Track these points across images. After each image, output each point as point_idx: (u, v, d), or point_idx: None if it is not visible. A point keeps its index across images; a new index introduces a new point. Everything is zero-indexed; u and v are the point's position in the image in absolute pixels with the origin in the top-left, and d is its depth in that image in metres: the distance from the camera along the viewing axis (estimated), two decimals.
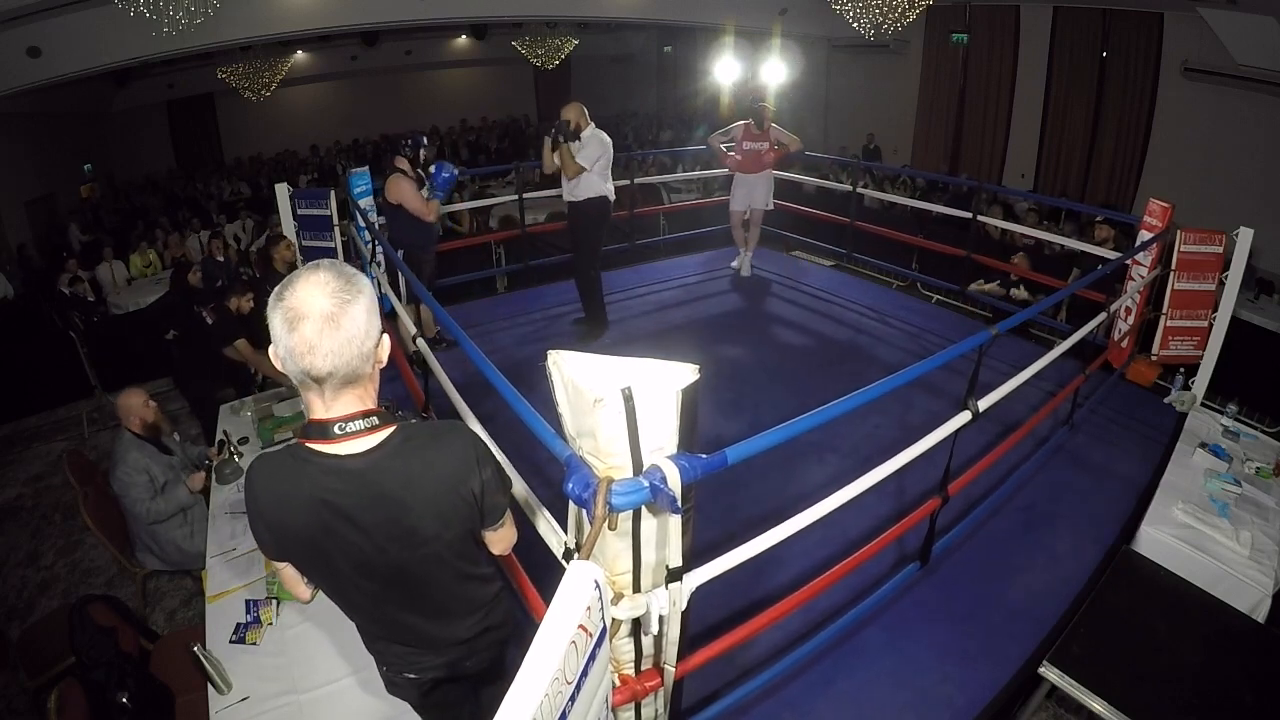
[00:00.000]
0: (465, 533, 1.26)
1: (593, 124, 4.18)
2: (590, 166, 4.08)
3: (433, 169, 4.00)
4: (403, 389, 3.35)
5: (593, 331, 4.55)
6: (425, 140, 4.17)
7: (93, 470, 3.46)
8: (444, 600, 1.33)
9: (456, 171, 4.10)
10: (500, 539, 1.36)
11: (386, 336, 1.15)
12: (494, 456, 1.28)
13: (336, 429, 1.12)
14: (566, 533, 1.63)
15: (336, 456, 1.13)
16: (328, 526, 1.16)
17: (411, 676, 1.43)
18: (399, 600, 1.30)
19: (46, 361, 5.59)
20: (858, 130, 11.62)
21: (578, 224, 4.32)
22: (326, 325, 1.04)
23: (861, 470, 1.96)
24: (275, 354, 1.07)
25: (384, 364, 1.17)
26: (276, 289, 1.07)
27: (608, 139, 4.19)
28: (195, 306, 4.22)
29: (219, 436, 3.38)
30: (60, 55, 6.78)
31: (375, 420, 1.14)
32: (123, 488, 2.90)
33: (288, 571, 1.30)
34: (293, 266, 4.43)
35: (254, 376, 4.78)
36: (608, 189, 4.24)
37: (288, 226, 4.69)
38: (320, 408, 1.12)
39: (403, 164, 3.97)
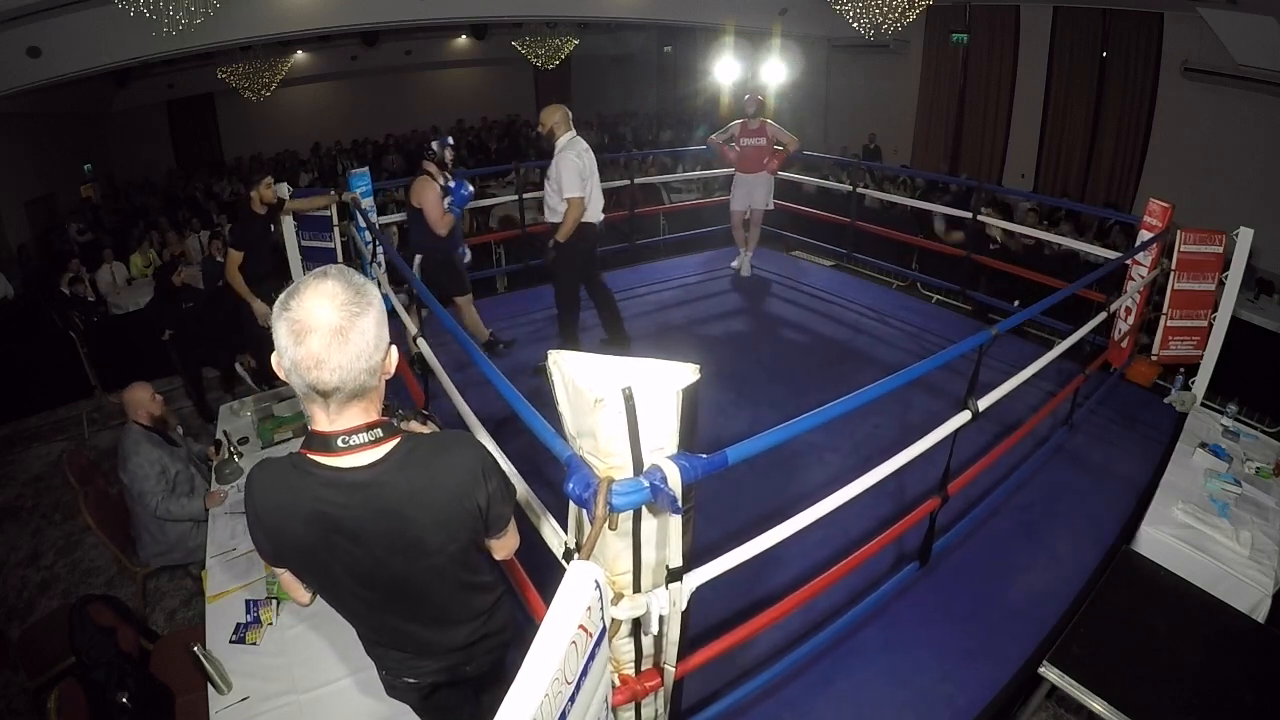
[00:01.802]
0: (469, 543, 1.25)
1: (573, 131, 3.75)
2: (562, 193, 3.68)
3: (452, 184, 3.85)
4: (403, 390, 3.35)
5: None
6: (450, 140, 4.07)
7: (93, 470, 3.46)
8: (444, 609, 1.33)
9: (472, 190, 4.01)
10: (503, 546, 1.36)
11: (394, 348, 1.13)
12: (499, 466, 1.27)
13: (340, 442, 1.10)
14: (567, 533, 1.63)
15: (338, 469, 1.11)
16: (327, 538, 1.15)
17: (411, 681, 1.43)
18: (399, 610, 1.29)
19: (46, 361, 5.59)
20: (858, 130, 11.62)
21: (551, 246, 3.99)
22: (335, 339, 1.01)
23: (861, 470, 1.96)
24: (279, 364, 1.05)
25: (391, 375, 1.14)
26: (282, 297, 1.04)
27: (583, 151, 3.72)
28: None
29: (217, 436, 3.39)
30: (60, 55, 6.78)
31: (379, 433, 1.12)
32: (135, 480, 2.90)
33: (287, 576, 1.29)
34: (273, 206, 4.22)
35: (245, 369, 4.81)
36: (588, 213, 3.82)
37: (287, 226, 4.69)
38: (324, 420, 1.10)
39: (430, 168, 3.86)
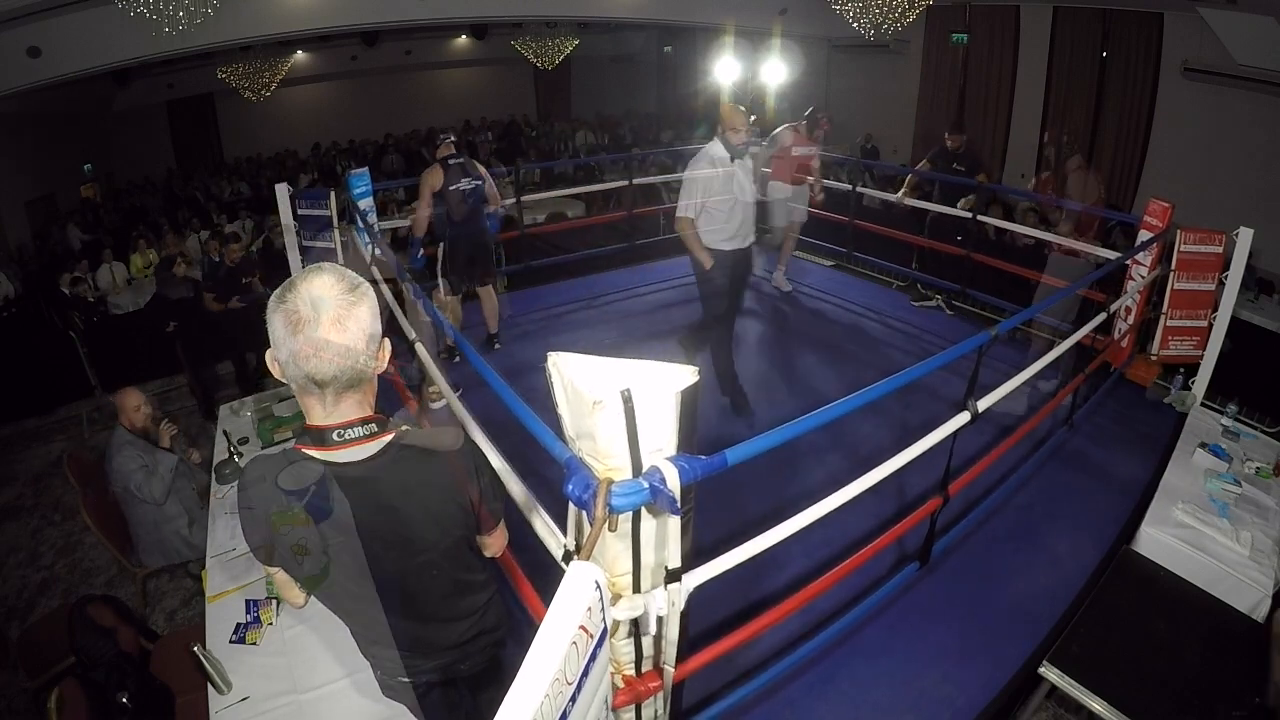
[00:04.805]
0: (461, 539, 1.26)
1: (716, 138, 3.41)
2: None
3: None
4: (396, 398, 3.35)
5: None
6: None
7: (93, 470, 3.45)
8: (438, 606, 1.33)
9: None
10: (494, 543, 1.37)
11: (387, 340, 1.15)
12: (489, 463, 1.28)
13: (335, 436, 1.10)
14: (566, 534, 1.63)
15: (333, 464, 1.12)
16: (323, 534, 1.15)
17: (406, 680, 1.43)
18: (394, 607, 1.29)
19: (46, 361, 5.59)
20: (858, 130, 11.61)
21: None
22: (333, 328, 1.03)
23: (861, 470, 1.96)
24: (275, 358, 1.05)
25: (384, 368, 1.15)
26: (277, 291, 1.05)
27: (718, 161, 3.37)
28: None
29: (217, 436, 3.39)
30: (60, 55, 6.77)
31: (374, 428, 1.13)
32: (120, 477, 2.93)
33: (281, 576, 1.29)
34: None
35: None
36: (710, 238, 3.50)
37: (287, 226, 4.68)
38: (320, 413, 1.11)
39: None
